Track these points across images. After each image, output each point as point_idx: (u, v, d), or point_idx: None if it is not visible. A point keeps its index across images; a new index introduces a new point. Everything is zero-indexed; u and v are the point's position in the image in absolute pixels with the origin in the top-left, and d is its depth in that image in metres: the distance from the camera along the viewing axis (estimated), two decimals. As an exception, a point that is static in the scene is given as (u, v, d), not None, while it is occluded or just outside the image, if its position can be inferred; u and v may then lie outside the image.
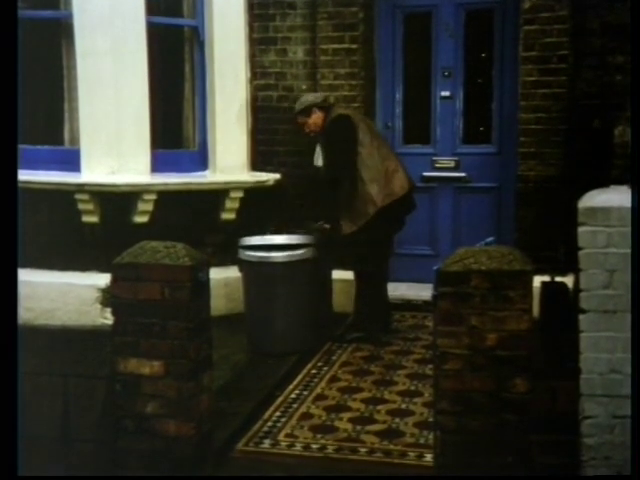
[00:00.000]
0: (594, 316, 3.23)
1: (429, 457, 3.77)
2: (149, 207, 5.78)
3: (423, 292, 5.80)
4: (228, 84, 6.23)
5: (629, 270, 3.16)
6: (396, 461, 3.86)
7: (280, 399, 4.63)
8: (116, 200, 5.75)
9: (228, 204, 6.17)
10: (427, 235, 6.44)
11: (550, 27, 5.75)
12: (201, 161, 6.32)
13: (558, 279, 4.50)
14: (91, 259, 5.77)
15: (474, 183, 6.41)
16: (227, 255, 5.88)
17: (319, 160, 5.64)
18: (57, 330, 4.61)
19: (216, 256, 5.83)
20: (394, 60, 6.49)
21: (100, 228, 5.82)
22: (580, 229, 3.25)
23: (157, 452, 3.59)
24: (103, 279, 4.61)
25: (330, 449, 3.99)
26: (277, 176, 6.37)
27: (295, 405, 4.55)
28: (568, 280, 4.45)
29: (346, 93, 6.17)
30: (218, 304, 5.09)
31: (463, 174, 6.42)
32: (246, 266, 5.43)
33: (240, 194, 6.18)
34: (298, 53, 6.38)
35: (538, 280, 3.71)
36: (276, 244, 5.42)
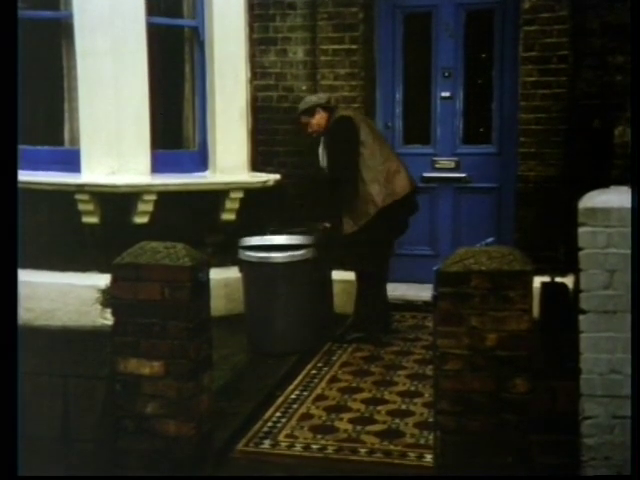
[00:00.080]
0: (594, 316, 3.23)
1: (429, 457, 3.77)
2: (149, 207, 5.78)
3: (423, 292, 5.80)
4: (228, 84, 6.23)
5: (629, 270, 3.16)
6: (396, 461, 3.87)
7: (280, 399, 4.63)
8: (116, 200, 5.75)
9: (228, 204, 6.17)
10: (427, 235, 6.44)
11: (550, 27, 5.75)
12: (201, 161, 6.32)
13: (558, 279, 4.49)
14: (91, 260, 5.77)
15: (474, 183, 6.41)
16: (227, 255, 5.88)
17: (324, 161, 5.64)
18: (57, 330, 4.61)
19: (216, 256, 5.83)
20: (394, 60, 6.49)
21: (100, 228, 5.82)
22: (580, 229, 3.25)
23: (157, 452, 3.59)
24: (103, 279, 4.61)
25: (330, 449, 3.99)
26: (277, 176, 6.37)
27: (295, 405, 4.55)
28: (568, 280, 4.45)
29: (346, 93, 6.17)
30: (218, 304, 5.09)
31: (463, 174, 6.42)
32: (246, 266, 5.43)
33: (240, 194, 6.18)
34: (298, 53, 6.38)
35: (538, 280, 3.71)
36: (276, 244, 5.42)
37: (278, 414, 4.43)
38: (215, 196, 6.18)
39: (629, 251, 3.17)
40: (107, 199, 5.75)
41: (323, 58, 6.28)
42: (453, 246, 5.50)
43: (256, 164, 6.48)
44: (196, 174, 6.25)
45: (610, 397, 3.23)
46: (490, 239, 4.19)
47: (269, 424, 4.30)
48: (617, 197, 3.30)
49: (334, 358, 5.33)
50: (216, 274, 4.48)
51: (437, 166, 6.48)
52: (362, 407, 4.49)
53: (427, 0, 6.41)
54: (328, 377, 4.97)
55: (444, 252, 5.66)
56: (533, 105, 5.85)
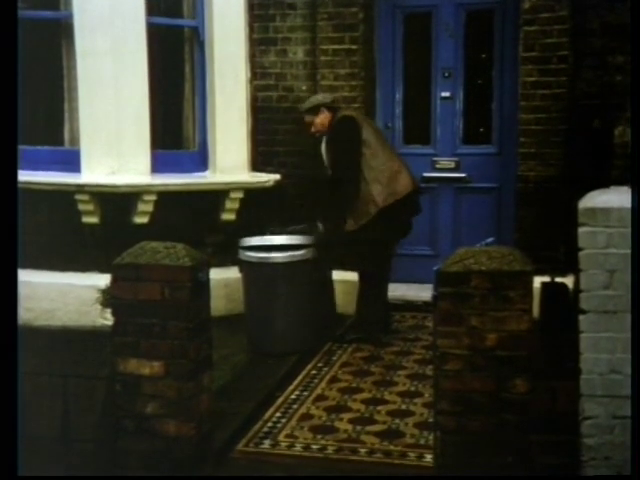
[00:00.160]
0: (594, 316, 3.23)
1: (429, 457, 3.77)
2: (149, 208, 5.78)
3: (423, 292, 5.79)
4: (228, 84, 6.23)
5: (629, 270, 3.16)
6: (396, 462, 3.86)
7: (280, 399, 4.63)
8: (116, 200, 5.75)
9: (228, 205, 6.17)
10: (427, 235, 6.44)
11: (550, 27, 5.75)
12: (201, 161, 6.32)
13: (558, 279, 4.50)
14: (91, 260, 5.77)
15: (474, 183, 6.41)
16: (227, 255, 5.88)
17: (327, 160, 5.64)
18: (57, 330, 4.61)
19: (216, 256, 5.83)
20: (394, 60, 6.49)
21: (100, 228, 5.82)
22: (580, 229, 3.25)
23: (157, 452, 3.59)
24: (103, 280, 4.60)
25: (330, 450, 3.99)
26: (277, 176, 6.37)
27: (295, 406, 4.54)
28: (568, 280, 4.45)
29: (346, 94, 6.17)
30: (218, 304, 5.09)
31: (463, 174, 6.42)
32: (246, 266, 5.43)
33: (240, 195, 6.18)
34: (298, 54, 6.38)
35: (538, 280, 3.70)
36: (276, 245, 5.42)
37: (278, 414, 4.43)
38: (215, 196, 6.18)
39: (629, 251, 3.17)
40: (107, 199, 5.75)
41: (323, 58, 6.28)
42: (453, 246, 5.50)
43: (256, 164, 6.48)
44: (196, 174, 6.25)
45: (610, 397, 3.23)
46: (490, 239, 4.19)
47: (269, 424, 4.30)
48: (617, 197, 3.30)
49: (334, 358, 5.33)
50: (216, 274, 4.48)
51: (437, 166, 6.48)
52: (362, 407, 4.49)
53: (427, 0, 6.41)
54: (328, 377, 4.97)
55: (444, 252, 5.65)
56: (533, 105, 5.85)
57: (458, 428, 3.30)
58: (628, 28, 4.52)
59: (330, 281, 5.91)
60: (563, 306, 4.10)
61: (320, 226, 5.59)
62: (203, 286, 3.68)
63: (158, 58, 6.11)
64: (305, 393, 4.73)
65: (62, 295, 5.71)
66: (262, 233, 5.63)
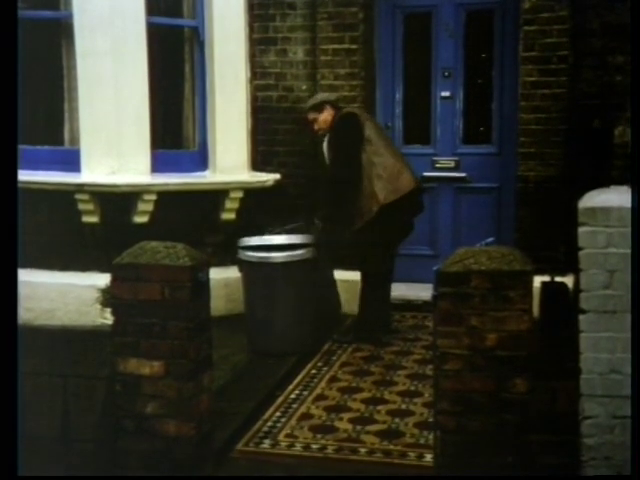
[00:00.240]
0: (594, 316, 3.23)
1: (429, 457, 3.77)
2: (149, 207, 5.78)
3: (423, 292, 5.80)
4: (228, 84, 6.23)
5: (629, 270, 3.16)
6: (396, 461, 3.86)
7: (280, 399, 4.63)
8: (116, 200, 5.75)
9: (228, 204, 6.17)
10: (427, 235, 6.44)
11: (550, 27, 5.75)
12: (201, 161, 6.32)
13: (558, 279, 4.50)
14: (91, 259, 5.77)
15: (474, 183, 6.41)
16: (227, 255, 5.88)
17: (328, 158, 5.64)
18: (57, 330, 4.60)
19: (216, 256, 5.83)
20: (394, 60, 6.49)
21: (100, 228, 5.82)
22: (580, 229, 3.25)
23: (157, 452, 3.59)
24: (103, 279, 4.61)
25: (330, 449, 3.99)
26: (277, 176, 6.37)
27: (295, 405, 4.54)
28: (568, 280, 4.45)
29: (346, 93, 6.17)
30: (218, 304, 5.09)
31: (463, 174, 6.42)
32: (246, 266, 5.43)
33: (240, 194, 6.19)
34: (298, 53, 6.38)
35: (538, 280, 3.71)
36: (276, 244, 5.42)
37: (278, 414, 4.43)
38: (215, 196, 6.18)
39: (629, 251, 3.17)
40: (107, 199, 5.75)
41: (323, 58, 6.28)
42: (453, 246, 5.50)
43: (256, 164, 6.48)
44: (196, 174, 6.25)
45: (610, 397, 3.23)
46: (490, 239, 4.19)
47: (269, 424, 4.30)
48: (617, 197, 3.30)
49: (334, 358, 5.33)
50: (216, 274, 4.48)
51: (437, 166, 6.48)
52: (362, 407, 4.49)
53: (427, 0, 6.41)
54: (328, 377, 4.97)
55: (444, 252, 5.65)
56: (533, 105, 5.85)
57: (458, 428, 3.30)
58: (628, 28, 4.53)
59: (333, 281, 5.91)
60: (563, 306, 4.10)
61: (318, 223, 5.60)
62: (203, 286, 3.68)
63: (158, 58, 6.11)
64: (305, 393, 4.73)
65: (62, 295, 5.71)
66: (262, 233, 5.62)
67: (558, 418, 3.29)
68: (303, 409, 4.48)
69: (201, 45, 6.24)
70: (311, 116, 5.66)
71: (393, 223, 5.40)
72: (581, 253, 3.26)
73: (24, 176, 4.96)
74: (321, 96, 5.76)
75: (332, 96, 5.76)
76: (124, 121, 5.79)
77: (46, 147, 6.10)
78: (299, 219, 5.73)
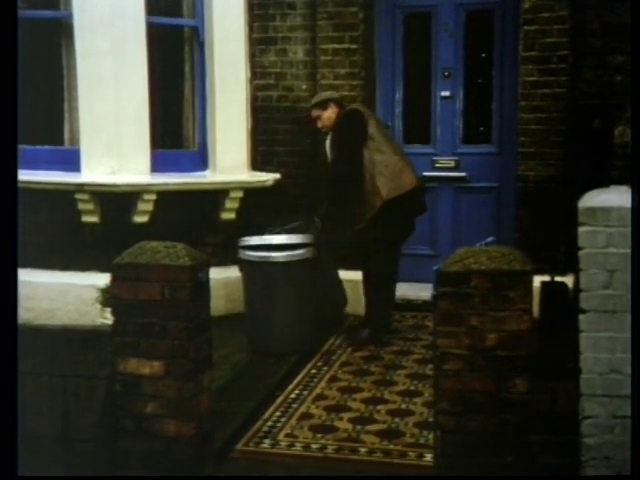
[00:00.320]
0: (594, 316, 3.23)
1: (429, 457, 3.77)
2: (149, 207, 5.78)
3: (423, 292, 5.80)
4: (228, 84, 6.23)
5: (629, 270, 3.16)
6: (396, 461, 3.86)
7: (280, 399, 4.63)
8: (116, 200, 5.75)
9: (228, 204, 6.17)
10: (427, 235, 6.44)
11: (550, 27, 5.75)
12: (201, 161, 6.32)
13: (558, 279, 4.50)
14: (91, 259, 5.77)
15: (474, 183, 6.42)
16: (227, 255, 5.88)
17: (331, 156, 5.65)
18: (57, 330, 4.60)
19: (216, 256, 5.84)
20: (394, 60, 6.49)
21: (100, 228, 5.82)
22: (580, 229, 3.25)
23: (157, 452, 3.59)
24: (103, 279, 4.60)
25: (330, 449, 3.99)
26: (277, 176, 6.37)
27: (295, 405, 4.55)
28: (568, 280, 4.45)
29: (346, 93, 6.16)
30: (218, 304, 5.09)
31: (463, 174, 6.43)
32: (246, 266, 5.43)
33: (240, 194, 6.19)
34: (298, 53, 6.38)
35: (538, 280, 3.71)
36: (276, 244, 5.42)
37: (278, 414, 4.43)
38: (215, 196, 6.18)
39: (629, 251, 3.17)
40: (107, 199, 5.75)
41: (323, 58, 6.28)
42: (453, 246, 5.50)
43: (256, 164, 6.49)
44: (196, 174, 6.25)
45: (610, 397, 3.23)
46: (490, 239, 4.19)
47: (269, 424, 4.30)
48: (617, 197, 3.29)
49: (334, 358, 5.33)
50: (216, 274, 4.48)
51: (437, 166, 6.48)
52: (362, 407, 4.49)
53: (427, 0, 6.41)
54: (328, 377, 4.97)
55: (444, 252, 5.65)
56: (533, 105, 5.85)
57: (458, 428, 3.30)
58: (628, 28, 4.53)
59: (337, 280, 5.89)
60: (563, 306, 4.10)
61: (317, 222, 5.60)
62: (203, 286, 3.68)
63: (158, 58, 6.11)
64: (305, 392, 4.73)
65: (62, 295, 5.71)
66: (262, 232, 5.63)
67: (558, 418, 3.29)
68: (303, 409, 4.49)
69: (201, 45, 6.24)
70: (315, 113, 5.67)
71: (395, 221, 5.40)
72: (581, 253, 3.26)
73: (24, 176, 4.97)
74: (325, 94, 5.79)
75: (336, 94, 5.78)
76: (124, 121, 5.80)
77: (46, 147, 6.10)
78: (299, 218, 5.74)
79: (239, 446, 4.05)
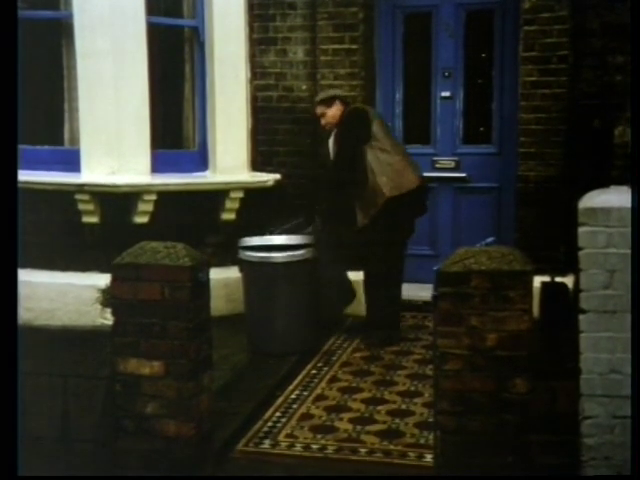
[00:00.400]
0: (594, 316, 3.23)
1: (429, 457, 3.77)
2: (149, 207, 5.78)
3: (423, 292, 5.78)
4: (228, 84, 6.23)
5: (629, 270, 3.16)
6: (396, 461, 3.86)
7: (280, 399, 4.63)
8: (116, 200, 5.75)
9: (228, 204, 6.17)
10: (427, 235, 6.43)
11: (550, 27, 5.75)
12: (201, 161, 6.32)
13: (558, 279, 4.49)
14: (91, 259, 5.77)
15: (474, 183, 6.41)
16: (227, 255, 5.88)
17: (333, 153, 5.65)
18: (57, 330, 4.60)
19: (216, 256, 5.83)
20: (394, 60, 6.49)
21: (100, 228, 5.82)
22: (580, 229, 3.25)
23: (157, 452, 3.59)
24: (103, 279, 4.61)
25: (330, 449, 3.99)
26: (277, 176, 6.37)
27: (295, 405, 4.54)
28: (568, 280, 4.45)
29: (346, 93, 6.15)
30: (218, 304, 5.08)
31: (463, 174, 6.42)
32: (246, 266, 5.43)
33: (240, 194, 6.19)
34: (298, 53, 6.38)
35: (538, 280, 3.70)
36: (276, 244, 5.42)
37: (278, 414, 4.43)
38: (215, 196, 6.18)
39: (629, 251, 3.17)
40: (107, 199, 5.75)
41: (323, 58, 6.28)
42: (453, 246, 5.49)
43: (256, 164, 6.48)
44: (196, 174, 6.26)
45: (610, 397, 3.23)
46: (490, 239, 4.19)
47: (269, 424, 4.30)
48: (617, 197, 3.30)
49: (334, 358, 5.33)
50: (216, 274, 4.48)
51: (437, 166, 6.48)
52: (362, 407, 4.49)
53: (427, 0, 6.41)
54: (328, 377, 4.97)
55: (444, 252, 5.65)
56: (533, 105, 5.85)
57: (458, 428, 3.30)
58: (628, 28, 4.53)
59: (339, 278, 5.86)
60: (563, 306, 4.10)
61: (318, 221, 5.60)
62: (203, 286, 3.68)
63: (158, 58, 6.11)
64: (305, 393, 4.73)
65: (62, 295, 5.71)
66: (262, 233, 5.63)
67: (558, 418, 3.29)
68: (303, 409, 4.48)
69: (201, 45, 6.24)
70: (319, 110, 5.67)
71: (396, 220, 5.39)
72: (581, 253, 3.26)
73: (24, 176, 4.96)
74: (331, 91, 5.79)
75: (341, 92, 5.79)
76: (124, 121, 5.79)
77: (46, 147, 6.10)
78: (299, 217, 5.74)
79: (239, 446, 4.05)
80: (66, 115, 6.15)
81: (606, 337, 3.22)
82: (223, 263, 5.88)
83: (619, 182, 3.56)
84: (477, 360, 3.26)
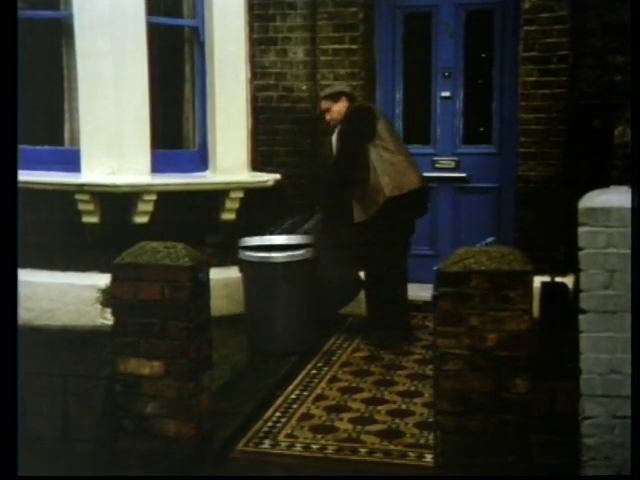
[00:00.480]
0: (594, 316, 3.23)
1: (429, 457, 3.77)
2: (149, 207, 5.78)
3: (423, 292, 5.78)
4: (228, 84, 6.23)
5: (629, 270, 3.16)
6: (396, 461, 3.86)
7: (280, 399, 4.63)
8: (116, 200, 5.75)
9: (228, 204, 6.17)
10: (427, 235, 6.43)
11: (550, 27, 5.75)
12: (201, 161, 6.32)
13: (558, 279, 4.50)
14: (91, 259, 5.77)
15: (474, 183, 6.41)
16: (227, 255, 5.88)
17: (335, 149, 5.65)
18: (57, 330, 4.60)
19: (216, 256, 5.83)
20: (394, 60, 6.49)
21: (100, 228, 5.82)
22: (580, 229, 3.25)
23: (157, 452, 3.59)
24: (103, 279, 4.61)
25: (330, 449, 3.99)
26: (277, 176, 6.37)
27: (295, 405, 4.54)
28: (568, 280, 4.45)
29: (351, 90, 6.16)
30: (218, 304, 5.08)
31: (463, 174, 6.42)
32: (246, 266, 5.43)
33: (240, 194, 6.19)
34: (298, 53, 6.38)
35: (538, 280, 3.71)
36: (276, 244, 5.42)
37: (278, 414, 4.43)
38: (215, 196, 6.18)
39: (629, 251, 3.17)
40: (107, 199, 5.75)
41: (323, 58, 6.28)
42: (453, 246, 5.49)
43: (256, 164, 6.49)
44: (196, 174, 6.26)
45: (610, 397, 3.23)
46: (490, 239, 4.19)
47: (269, 424, 4.30)
48: (617, 197, 3.30)
49: (334, 358, 5.33)
50: (216, 274, 4.47)
51: (437, 166, 6.48)
52: (362, 407, 4.48)
53: (427, 0, 6.41)
54: (328, 377, 4.97)
55: (444, 252, 5.65)
56: (533, 105, 5.85)
57: (458, 428, 3.30)
58: (628, 28, 4.53)
59: (341, 276, 5.84)
60: (563, 306, 4.10)
61: (318, 216, 5.60)
62: (203, 286, 3.68)
63: (158, 58, 6.11)
64: (305, 393, 4.73)
65: (62, 295, 5.71)
66: (262, 233, 5.63)
67: (558, 418, 3.29)
68: (303, 409, 4.48)
69: (201, 45, 6.24)
70: (325, 105, 5.65)
71: (396, 220, 5.38)
72: (581, 253, 3.26)
73: (24, 176, 4.96)
74: (338, 86, 5.76)
75: (348, 88, 5.76)
76: (124, 121, 5.79)
77: (46, 147, 6.10)
78: (296, 216, 5.74)
79: (239, 446, 4.05)
80: (66, 115, 6.15)
81: (606, 337, 3.22)
82: (223, 263, 5.88)
83: (619, 182, 3.56)
84: (477, 360, 3.26)
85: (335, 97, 5.60)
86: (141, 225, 5.76)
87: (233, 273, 5.66)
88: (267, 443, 4.08)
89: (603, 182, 3.68)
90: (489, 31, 6.31)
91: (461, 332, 3.26)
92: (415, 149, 6.44)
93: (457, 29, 6.36)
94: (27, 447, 3.26)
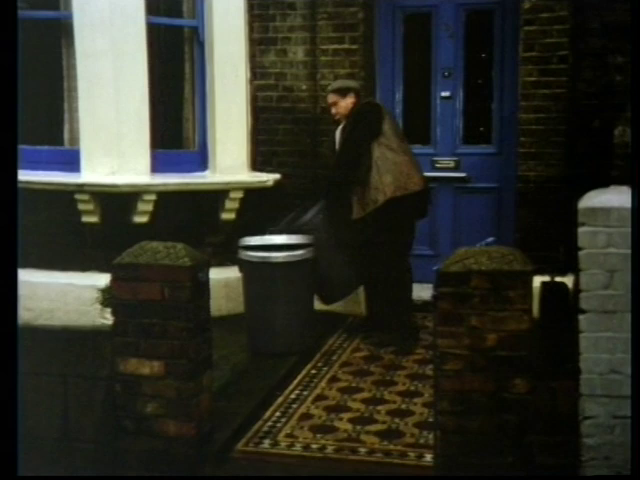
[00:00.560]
0: (594, 316, 3.24)
1: (429, 457, 3.77)
2: (149, 207, 5.78)
3: (423, 292, 5.79)
4: (228, 84, 6.22)
5: (629, 270, 3.16)
6: (396, 461, 3.86)
7: (280, 399, 4.63)
8: (116, 200, 5.75)
9: (228, 204, 6.17)
10: (427, 235, 6.43)
11: (550, 27, 5.75)
12: (201, 161, 6.32)
13: (558, 279, 4.50)
14: (91, 259, 5.77)
15: (474, 183, 6.41)
16: (227, 255, 5.88)
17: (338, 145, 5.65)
18: (57, 330, 4.60)
19: (216, 256, 5.83)
20: (394, 60, 6.49)
21: (100, 228, 5.82)
22: (580, 229, 3.25)
23: (157, 452, 3.59)
24: (103, 279, 4.61)
25: (330, 449, 3.99)
26: (277, 176, 6.37)
27: (295, 405, 4.54)
28: (568, 280, 4.45)
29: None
30: (218, 304, 5.09)
31: (463, 174, 6.42)
32: (246, 266, 5.42)
33: (240, 194, 6.18)
34: (298, 53, 6.38)
35: (538, 280, 3.71)
36: (276, 244, 5.42)
37: (278, 414, 4.43)
38: (215, 196, 6.18)
39: (629, 251, 3.17)
40: (107, 199, 5.75)
41: (323, 58, 6.28)
42: (453, 246, 5.50)
43: (256, 164, 6.48)
44: (196, 174, 6.25)
45: (610, 397, 3.24)
46: (490, 239, 4.20)
47: (269, 424, 4.30)
48: (617, 197, 3.30)
49: (334, 358, 5.33)
50: (216, 274, 4.48)
51: (437, 166, 6.47)
52: (362, 407, 4.48)
53: (427, 0, 6.41)
54: (328, 377, 4.97)
55: (444, 252, 5.65)
56: (533, 105, 5.84)
57: (458, 428, 3.30)
58: (628, 28, 4.52)
59: (340, 279, 5.83)
60: (563, 306, 4.10)
61: (317, 209, 5.60)
62: (203, 286, 3.68)
63: (158, 58, 6.11)
64: (305, 393, 4.73)
65: (62, 295, 5.71)
66: (262, 233, 5.62)
67: (558, 418, 3.30)
68: (303, 409, 4.48)
69: (201, 45, 6.24)
70: (332, 99, 5.63)
71: (395, 221, 5.36)
72: (581, 253, 3.26)
73: (24, 176, 4.96)
74: (347, 82, 5.75)
75: (357, 85, 5.75)
76: (124, 121, 5.79)
77: (46, 147, 6.09)
78: (293, 212, 5.75)
79: (239, 446, 4.05)
80: (66, 115, 6.14)
81: (606, 337, 3.23)
82: (223, 263, 5.87)
83: (619, 182, 3.56)
84: (477, 360, 3.26)
85: (343, 92, 5.59)
86: (141, 225, 5.76)
87: (233, 273, 5.65)
88: (267, 443, 4.08)
89: (603, 182, 3.68)
90: (489, 31, 6.31)
91: (461, 332, 3.26)
92: (415, 149, 6.42)
93: (457, 29, 6.36)
94: (27, 447, 3.26)
